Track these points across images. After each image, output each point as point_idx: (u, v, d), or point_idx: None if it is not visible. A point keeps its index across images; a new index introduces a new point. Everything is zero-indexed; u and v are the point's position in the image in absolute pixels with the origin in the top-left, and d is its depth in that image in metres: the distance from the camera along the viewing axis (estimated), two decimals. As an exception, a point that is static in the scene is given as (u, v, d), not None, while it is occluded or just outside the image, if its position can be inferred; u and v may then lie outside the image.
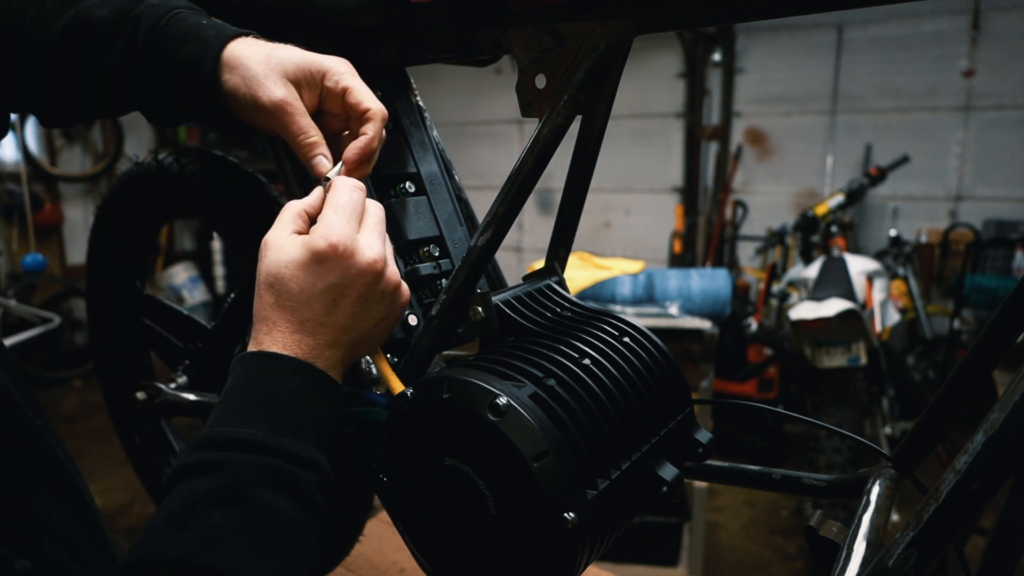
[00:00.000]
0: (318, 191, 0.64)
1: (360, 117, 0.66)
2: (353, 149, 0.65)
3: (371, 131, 0.65)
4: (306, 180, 0.80)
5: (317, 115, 0.67)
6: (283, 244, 0.59)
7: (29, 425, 0.60)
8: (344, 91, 0.65)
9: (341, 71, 0.66)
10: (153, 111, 0.70)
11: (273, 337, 0.58)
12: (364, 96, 0.66)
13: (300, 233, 0.60)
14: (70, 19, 0.66)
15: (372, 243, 0.60)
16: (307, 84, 0.65)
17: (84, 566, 0.54)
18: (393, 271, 0.62)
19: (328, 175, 0.65)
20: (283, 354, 0.57)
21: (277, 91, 0.63)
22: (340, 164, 0.66)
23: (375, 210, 0.63)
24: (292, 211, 0.61)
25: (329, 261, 0.58)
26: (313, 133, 0.65)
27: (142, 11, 0.66)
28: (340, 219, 0.59)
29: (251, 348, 0.59)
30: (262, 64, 0.64)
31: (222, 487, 0.49)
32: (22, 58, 0.67)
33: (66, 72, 0.67)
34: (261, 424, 0.53)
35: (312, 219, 0.62)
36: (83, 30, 0.66)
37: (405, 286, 0.64)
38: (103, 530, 0.62)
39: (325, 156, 0.65)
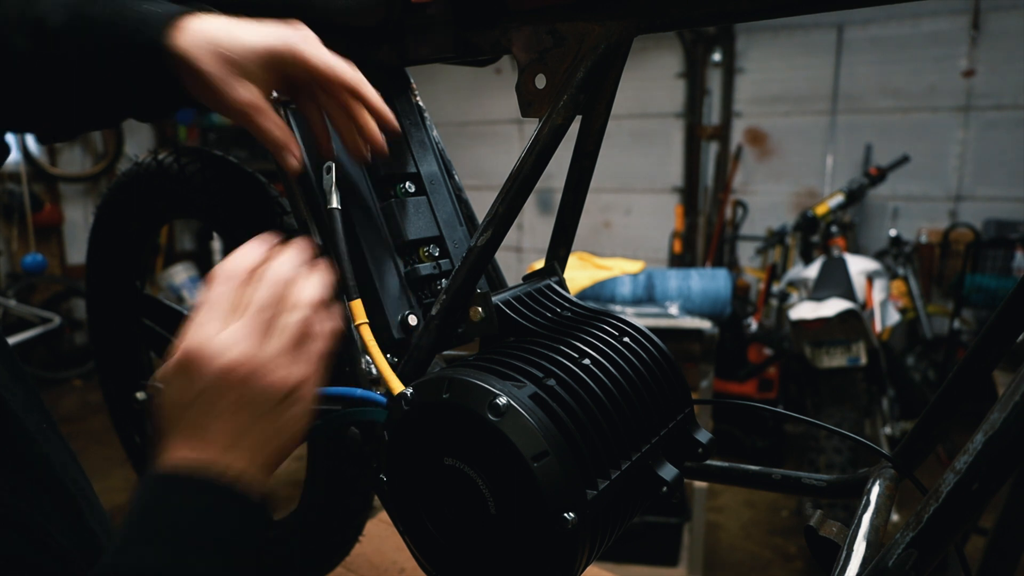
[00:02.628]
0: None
1: (342, 87, 0.65)
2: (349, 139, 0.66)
3: (361, 105, 0.65)
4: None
5: (289, 87, 0.66)
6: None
7: (21, 435, 0.58)
8: (316, 71, 0.64)
9: (303, 49, 0.63)
10: (118, 106, 0.67)
11: (166, 455, 0.53)
12: (329, 64, 0.64)
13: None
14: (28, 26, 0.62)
15: (230, 345, 0.53)
16: (268, 72, 0.63)
17: None
18: (280, 377, 0.54)
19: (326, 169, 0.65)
20: (180, 474, 0.52)
21: (239, 93, 0.62)
22: (332, 164, 0.67)
23: (262, 291, 0.55)
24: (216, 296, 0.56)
25: (187, 368, 0.52)
26: (278, 132, 0.64)
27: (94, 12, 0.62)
28: (201, 315, 0.54)
29: (153, 466, 0.54)
30: (216, 64, 0.61)
31: None
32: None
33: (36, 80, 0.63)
34: (165, 550, 0.49)
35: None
36: (37, 35, 0.62)
37: (302, 378, 0.55)
38: (98, 541, 0.60)
39: (293, 154, 0.65)
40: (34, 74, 0.63)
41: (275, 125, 0.64)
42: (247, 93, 0.62)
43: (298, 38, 0.64)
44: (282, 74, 0.65)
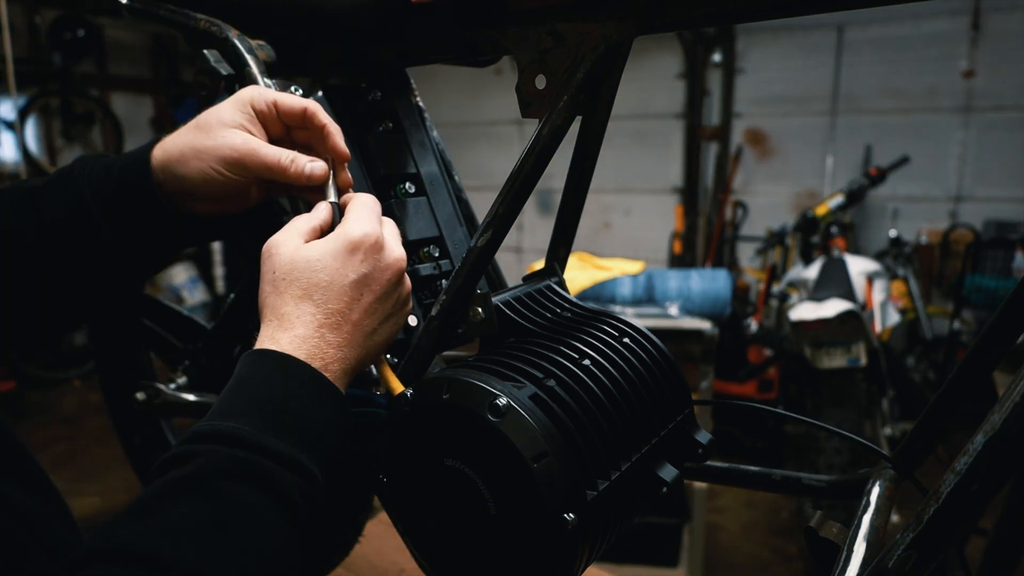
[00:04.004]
0: (322, 207, 0.64)
1: (303, 115, 0.66)
2: (331, 141, 0.66)
3: (324, 118, 0.66)
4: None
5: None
6: (298, 245, 0.59)
7: None
8: (275, 103, 0.66)
9: (261, 91, 0.66)
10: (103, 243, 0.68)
11: (292, 332, 0.56)
12: (292, 99, 0.67)
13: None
14: (15, 196, 0.66)
15: (397, 243, 0.62)
16: (248, 121, 0.65)
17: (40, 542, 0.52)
18: (407, 278, 0.64)
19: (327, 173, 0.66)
20: (290, 355, 0.55)
21: (235, 139, 0.63)
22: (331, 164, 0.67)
23: (392, 224, 0.65)
24: (302, 221, 0.62)
25: (361, 251, 0.59)
26: (286, 152, 0.65)
27: (74, 163, 0.68)
28: (368, 214, 0.61)
29: (262, 344, 0.57)
30: (194, 135, 0.64)
31: (192, 478, 0.48)
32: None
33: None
34: (249, 420, 0.52)
35: (323, 232, 0.62)
36: (27, 197, 0.66)
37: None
38: (68, 512, 0.60)
39: (312, 160, 0.65)
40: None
41: (279, 148, 0.65)
42: (240, 135, 0.64)
43: (257, 90, 0.66)
44: (259, 124, 0.66)
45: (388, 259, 0.60)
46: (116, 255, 0.67)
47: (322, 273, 0.57)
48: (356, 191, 0.78)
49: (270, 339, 0.57)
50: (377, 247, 0.60)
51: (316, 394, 0.56)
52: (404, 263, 0.62)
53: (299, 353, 0.56)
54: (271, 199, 0.86)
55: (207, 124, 0.64)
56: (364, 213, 0.61)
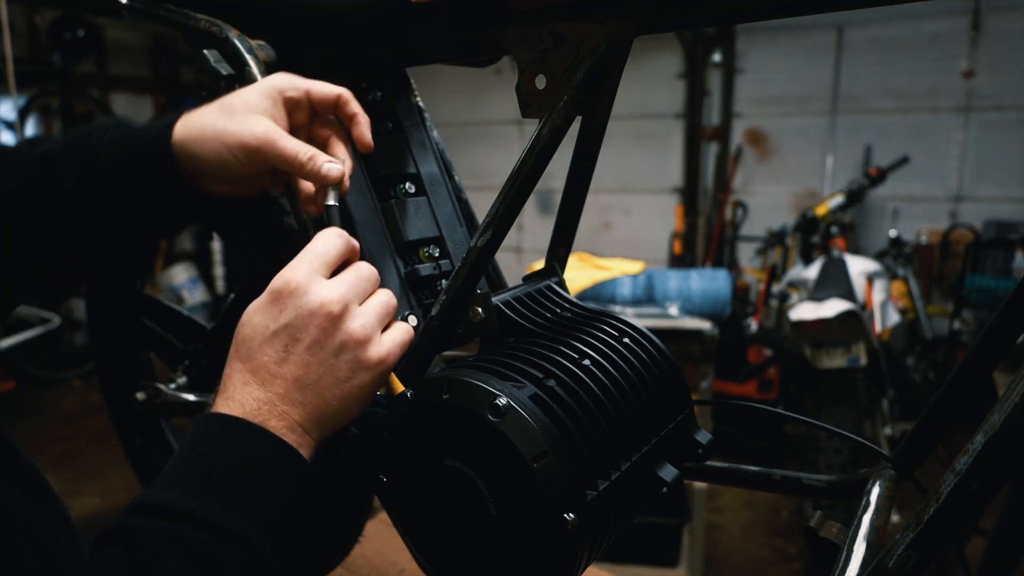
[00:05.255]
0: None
1: (336, 102, 0.66)
2: (359, 131, 0.67)
3: (356, 107, 0.66)
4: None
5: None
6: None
7: None
8: (307, 92, 0.66)
9: (293, 79, 0.66)
10: (114, 216, 0.68)
11: (226, 392, 0.54)
12: (326, 87, 0.66)
13: None
14: (32, 159, 0.66)
15: (332, 287, 0.56)
16: (273, 107, 0.65)
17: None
18: (360, 325, 0.56)
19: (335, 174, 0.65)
20: (232, 416, 0.53)
21: (257, 127, 0.63)
22: (344, 162, 0.67)
23: (363, 268, 0.60)
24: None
25: (281, 300, 0.55)
26: (306, 147, 0.64)
27: (93, 127, 0.67)
28: (303, 261, 0.57)
29: (212, 405, 0.55)
30: (218, 116, 0.64)
31: (126, 561, 0.46)
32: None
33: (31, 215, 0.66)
34: (191, 489, 0.49)
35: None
36: (43, 161, 0.66)
37: (379, 347, 0.57)
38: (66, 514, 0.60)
39: (330, 161, 0.65)
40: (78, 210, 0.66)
41: (299, 142, 0.65)
42: (264, 122, 0.64)
43: (288, 76, 0.67)
44: (286, 112, 0.66)
45: (311, 305, 0.54)
46: (123, 223, 0.67)
47: (246, 328, 0.56)
48: (356, 192, 0.78)
49: (215, 399, 0.56)
50: (298, 294, 0.54)
51: (260, 453, 0.52)
52: (334, 307, 0.55)
53: (236, 413, 0.53)
54: (271, 197, 0.86)
55: (232, 106, 0.64)
56: (297, 260, 0.57)
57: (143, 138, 0.66)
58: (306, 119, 0.68)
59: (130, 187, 0.66)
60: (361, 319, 0.57)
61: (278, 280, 0.56)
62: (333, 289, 0.56)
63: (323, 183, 0.65)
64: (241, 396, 0.54)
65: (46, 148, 0.66)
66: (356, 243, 0.62)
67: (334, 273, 0.59)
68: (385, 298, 0.60)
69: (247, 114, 0.64)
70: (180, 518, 0.48)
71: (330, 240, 0.59)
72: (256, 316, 0.56)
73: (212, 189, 0.68)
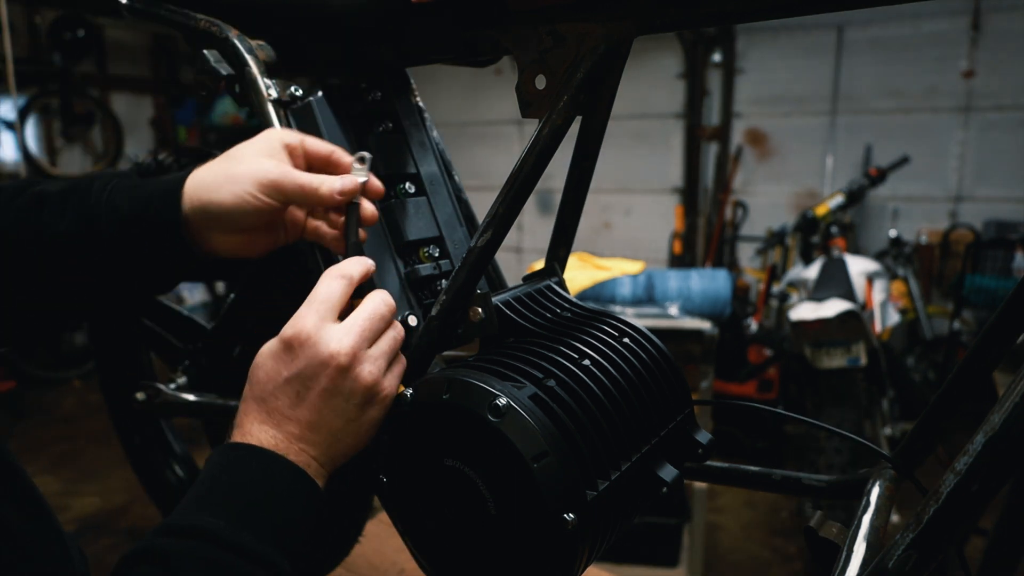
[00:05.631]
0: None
1: (328, 157, 0.69)
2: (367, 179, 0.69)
3: (347, 158, 0.69)
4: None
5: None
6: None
7: None
8: (303, 141, 0.68)
9: (288, 132, 0.69)
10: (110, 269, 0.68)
11: (243, 428, 0.58)
12: (319, 142, 0.70)
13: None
14: (25, 200, 0.65)
15: (340, 336, 0.58)
16: (277, 152, 0.67)
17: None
18: (369, 371, 0.60)
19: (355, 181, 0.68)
20: (255, 446, 0.57)
21: (269, 164, 0.65)
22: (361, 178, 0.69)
23: (370, 305, 0.62)
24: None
25: (293, 350, 0.58)
26: (317, 175, 0.67)
27: (96, 176, 0.68)
28: (310, 309, 0.60)
29: (231, 437, 0.59)
30: (234, 159, 0.66)
31: None
32: None
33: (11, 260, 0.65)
34: (222, 514, 0.52)
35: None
36: (35, 203, 0.65)
37: (388, 385, 0.62)
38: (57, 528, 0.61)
39: (341, 177, 0.67)
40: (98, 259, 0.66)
41: (310, 174, 0.67)
42: (274, 160, 0.66)
43: (273, 131, 0.69)
44: (287, 159, 0.68)
45: (321, 356, 0.57)
46: (117, 276, 0.67)
47: (260, 371, 0.59)
48: None
49: (234, 431, 0.59)
50: (308, 344, 0.58)
51: (283, 482, 0.56)
52: (342, 359, 0.58)
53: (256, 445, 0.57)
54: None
55: (239, 154, 0.66)
56: (304, 309, 0.60)
57: (151, 192, 0.66)
58: (303, 166, 0.70)
59: (128, 240, 0.65)
60: (369, 365, 0.60)
61: (289, 329, 0.59)
62: (342, 340, 0.58)
63: (341, 197, 0.67)
64: (258, 432, 0.58)
65: (42, 190, 0.66)
66: (367, 266, 0.65)
67: (359, 291, 0.63)
68: (394, 334, 0.64)
69: (256, 157, 0.66)
70: (214, 541, 0.51)
71: (332, 285, 0.62)
72: (270, 361, 0.59)
73: (223, 245, 0.68)
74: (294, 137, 0.69)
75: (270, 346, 0.60)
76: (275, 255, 0.74)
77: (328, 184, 0.66)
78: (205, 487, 0.55)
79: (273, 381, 0.58)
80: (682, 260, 5.15)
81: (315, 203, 0.67)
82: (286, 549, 0.54)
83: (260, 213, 0.65)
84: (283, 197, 0.66)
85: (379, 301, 0.63)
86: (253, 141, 0.68)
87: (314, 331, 0.58)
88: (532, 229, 6.03)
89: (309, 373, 0.58)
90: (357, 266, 0.64)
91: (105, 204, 0.65)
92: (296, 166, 0.68)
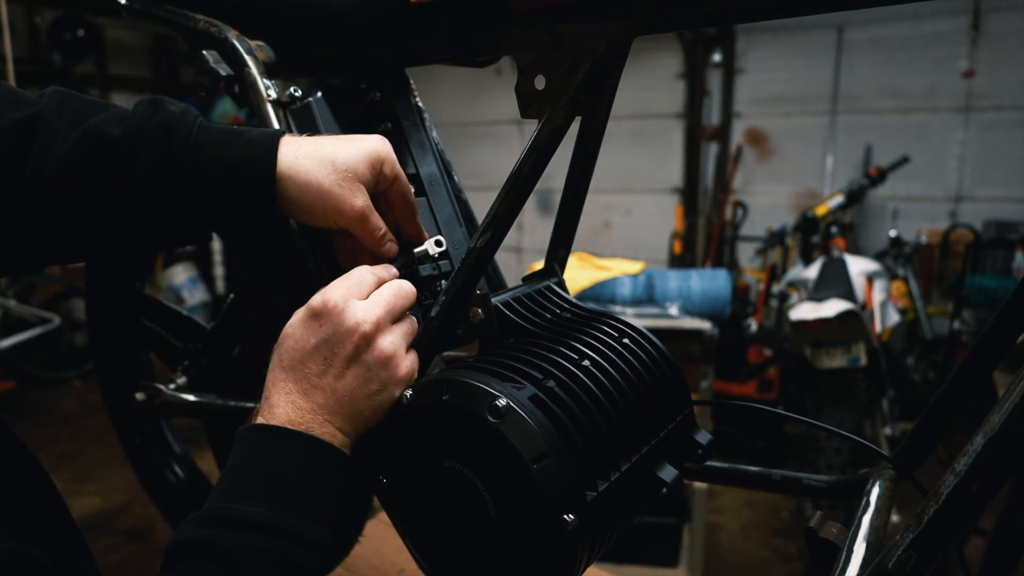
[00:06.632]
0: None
1: (403, 197, 0.71)
2: (415, 223, 0.73)
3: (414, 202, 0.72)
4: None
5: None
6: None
7: None
8: (395, 178, 0.69)
9: (392, 157, 0.69)
10: (187, 226, 0.66)
11: (270, 400, 0.59)
12: (409, 188, 0.71)
13: None
14: (79, 136, 0.61)
15: (366, 308, 0.61)
16: (370, 175, 0.67)
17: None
18: (390, 343, 0.62)
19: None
20: (288, 428, 0.58)
21: (357, 201, 0.65)
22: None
23: (395, 287, 0.65)
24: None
25: (320, 316, 0.60)
26: (383, 226, 0.69)
27: (169, 120, 0.63)
28: (341, 283, 0.62)
29: (257, 416, 0.60)
30: (328, 173, 0.65)
31: (218, 571, 0.50)
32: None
33: (67, 204, 0.62)
34: (267, 503, 0.54)
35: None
36: (96, 148, 0.61)
37: (406, 363, 0.64)
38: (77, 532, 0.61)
39: (392, 241, 0.70)
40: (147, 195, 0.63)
41: (379, 220, 0.68)
42: (364, 198, 0.66)
43: (387, 146, 0.69)
44: (376, 180, 0.68)
45: (347, 323, 0.59)
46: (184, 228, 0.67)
47: (289, 340, 0.61)
48: None
49: (261, 409, 0.60)
50: (335, 312, 0.60)
51: (317, 461, 0.58)
52: (366, 327, 0.60)
53: (281, 421, 0.58)
54: None
55: (339, 167, 0.65)
56: (336, 282, 0.62)
57: (241, 156, 0.63)
58: (381, 191, 0.70)
59: (226, 197, 0.64)
60: (392, 336, 0.63)
61: (317, 298, 0.61)
62: (368, 310, 0.61)
63: (377, 254, 0.70)
64: (285, 405, 0.59)
65: (96, 127, 0.61)
66: (390, 274, 0.67)
67: None
68: (411, 322, 0.67)
69: (352, 182, 0.65)
70: (262, 530, 0.52)
71: (365, 276, 0.64)
72: (299, 329, 0.61)
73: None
74: (392, 169, 0.69)
75: (298, 315, 0.61)
76: (275, 255, 0.75)
77: (384, 245, 0.69)
78: (242, 474, 0.56)
79: (302, 348, 0.60)
80: (682, 260, 5.15)
81: (366, 244, 0.69)
82: (326, 523, 0.56)
83: (322, 224, 0.67)
84: (342, 227, 0.67)
85: (404, 283, 0.66)
86: (357, 152, 0.66)
87: (341, 301, 0.60)
88: (532, 229, 6.03)
89: (336, 339, 0.59)
90: (387, 275, 0.67)
91: (189, 158, 0.62)
92: (376, 191, 0.69)
